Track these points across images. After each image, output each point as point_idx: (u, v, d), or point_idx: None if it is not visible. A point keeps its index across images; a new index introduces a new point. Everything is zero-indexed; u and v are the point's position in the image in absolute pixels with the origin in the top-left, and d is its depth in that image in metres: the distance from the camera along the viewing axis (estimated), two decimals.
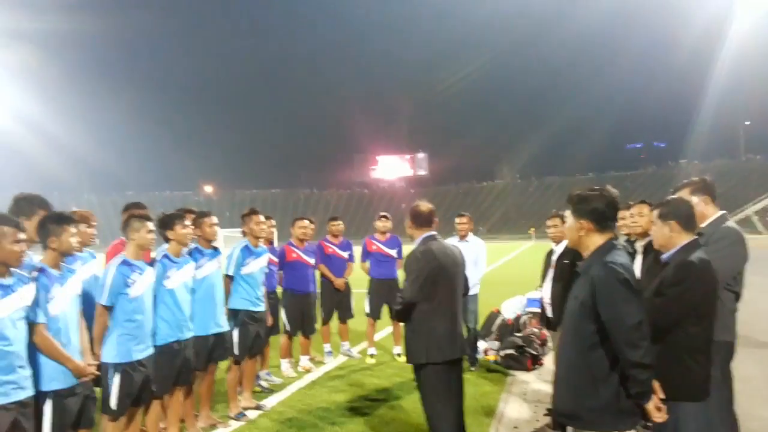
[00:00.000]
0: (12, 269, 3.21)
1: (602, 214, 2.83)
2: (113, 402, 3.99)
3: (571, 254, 5.14)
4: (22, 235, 3.18)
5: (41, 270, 3.48)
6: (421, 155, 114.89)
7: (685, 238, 3.27)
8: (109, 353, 4.02)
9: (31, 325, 3.30)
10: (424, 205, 4.21)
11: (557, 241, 5.44)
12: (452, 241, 6.81)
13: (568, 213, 2.98)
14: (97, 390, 3.95)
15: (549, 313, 5.36)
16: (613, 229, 2.93)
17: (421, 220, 4.15)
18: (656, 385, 2.75)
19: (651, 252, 4.07)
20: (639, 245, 4.41)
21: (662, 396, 2.77)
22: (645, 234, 4.34)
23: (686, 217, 3.29)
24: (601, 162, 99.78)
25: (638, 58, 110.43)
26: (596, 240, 2.85)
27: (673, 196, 3.60)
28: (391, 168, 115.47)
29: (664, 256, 3.37)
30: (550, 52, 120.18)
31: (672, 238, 3.29)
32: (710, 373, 3.23)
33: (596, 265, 2.75)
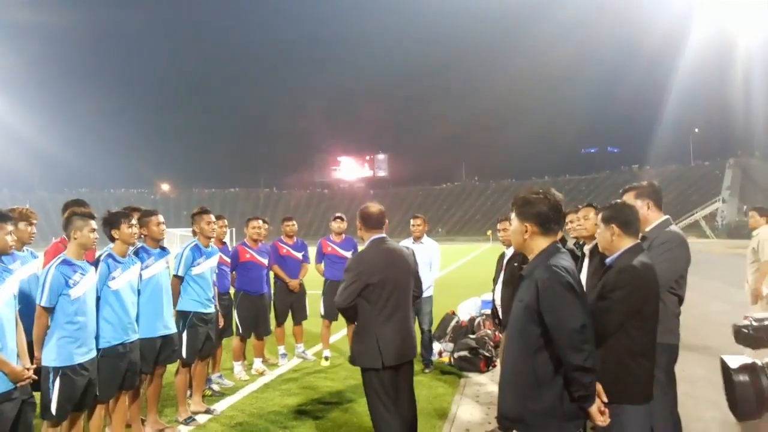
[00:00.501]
0: None
1: (546, 217, 2.85)
2: (53, 407, 3.85)
3: (521, 257, 5.21)
4: None
5: None
6: (381, 156, 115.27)
7: (627, 242, 3.31)
8: (49, 356, 3.87)
9: None
10: (374, 207, 4.20)
11: (508, 244, 5.50)
12: (407, 243, 6.83)
13: (512, 216, 3.00)
14: (37, 395, 3.80)
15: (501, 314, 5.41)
16: (556, 232, 2.95)
17: (371, 222, 4.13)
18: (599, 388, 2.78)
19: (597, 255, 4.14)
20: (586, 248, 4.48)
21: (605, 399, 2.80)
22: (591, 237, 4.41)
23: (627, 222, 3.33)
24: (556, 166, 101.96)
25: (596, 66, 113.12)
26: (540, 243, 2.87)
27: (617, 201, 3.66)
28: (352, 169, 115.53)
29: (607, 260, 3.42)
30: (512, 57, 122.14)
31: (614, 242, 3.33)
32: (653, 376, 3.29)
33: (540, 268, 2.77)
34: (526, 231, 2.87)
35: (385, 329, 3.91)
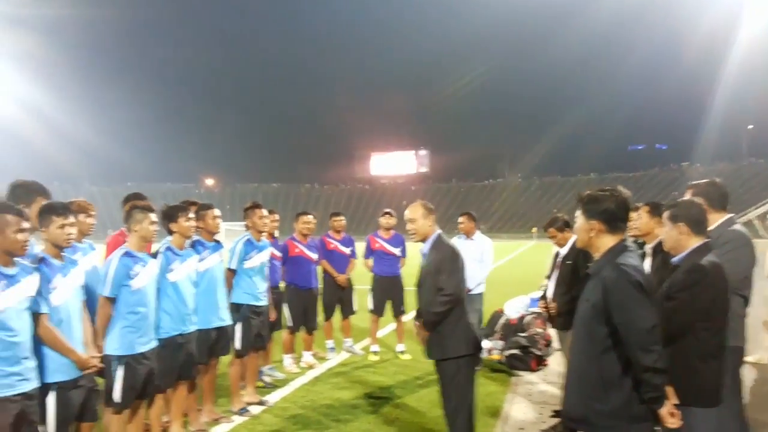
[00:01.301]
0: (16, 259, 3.16)
1: (613, 215, 2.78)
2: (117, 395, 3.95)
3: (573, 256, 5.12)
4: (26, 224, 3.12)
5: (42, 260, 3.43)
6: (423, 152, 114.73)
7: (695, 241, 3.21)
8: (112, 345, 3.98)
9: (35, 316, 3.25)
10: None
11: (561, 246, 5.40)
12: (458, 240, 6.78)
13: (578, 213, 2.93)
14: (101, 382, 3.90)
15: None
16: (624, 230, 2.87)
17: (434, 216, 4.20)
18: (670, 390, 2.70)
19: (659, 254, 4.01)
20: (648, 247, 4.34)
21: (676, 401, 2.72)
22: (646, 235, 4.28)
23: (696, 220, 3.22)
24: (603, 163, 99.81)
25: (644, 61, 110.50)
26: (607, 241, 2.80)
27: (684, 198, 3.54)
28: (393, 164, 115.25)
29: (674, 259, 3.32)
30: (557, 53, 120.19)
31: (682, 241, 3.23)
32: (722, 379, 3.18)
33: (608, 267, 2.70)
34: (593, 229, 2.80)
35: (470, 319, 4.05)
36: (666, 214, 3.34)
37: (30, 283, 3.19)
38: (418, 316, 4.13)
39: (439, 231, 4.13)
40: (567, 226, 5.34)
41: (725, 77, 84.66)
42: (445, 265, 3.95)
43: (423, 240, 4.12)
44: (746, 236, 3.67)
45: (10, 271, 3.10)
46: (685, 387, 2.90)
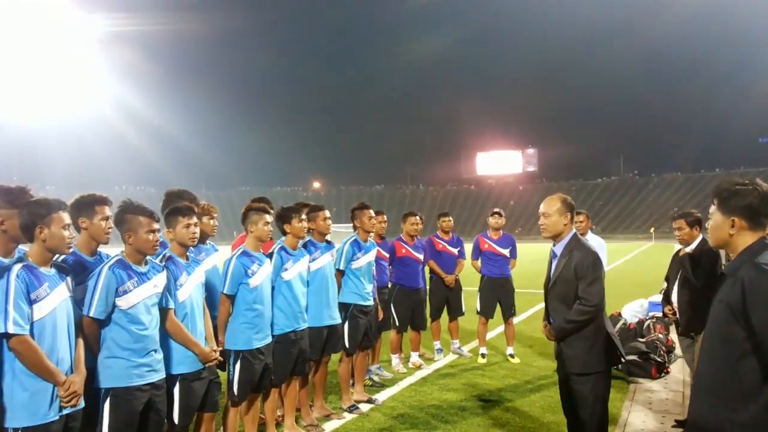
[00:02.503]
0: (147, 258, 3.40)
1: (756, 210, 2.53)
2: (235, 388, 4.15)
3: (698, 257, 4.75)
4: (156, 225, 3.36)
5: (170, 258, 3.67)
6: (530, 150, 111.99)
7: None
8: (231, 340, 4.19)
9: (163, 311, 3.48)
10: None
11: (685, 244, 5.02)
12: None
13: (712, 209, 2.69)
14: (222, 375, 4.11)
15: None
16: (765, 227, 2.61)
17: (573, 213, 3.91)
18: None
19: None
20: None
21: None
22: None
23: None
24: (730, 157, 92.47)
25: None
26: (747, 239, 2.55)
27: None
28: (499, 164, 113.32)
29: None
30: (677, 44, 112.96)
31: None
32: None
33: (746, 266, 2.46)
34: (733, 225, 2.57)
35: (610, 327, 3.82)
36: None
37: (159, 281, 3.41)
38: (547, 319, 3.96)
39: (574, 230, 3.86)
40: (698, 223, 4.95)
41: None
42: (587, 272, 3.67)
43: (553, 238, 3.86)
44: None
45: (142, 269, 3.34)
46: None
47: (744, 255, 2.54)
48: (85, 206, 3.37)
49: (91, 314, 3.13)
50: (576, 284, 3.68)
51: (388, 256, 6.87)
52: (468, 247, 7.65)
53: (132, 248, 3.32)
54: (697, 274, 4.76)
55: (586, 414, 3.70)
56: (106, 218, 3.39)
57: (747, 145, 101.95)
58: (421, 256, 7.23)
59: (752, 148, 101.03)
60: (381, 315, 6.14)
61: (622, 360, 3.90)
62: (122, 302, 3.20)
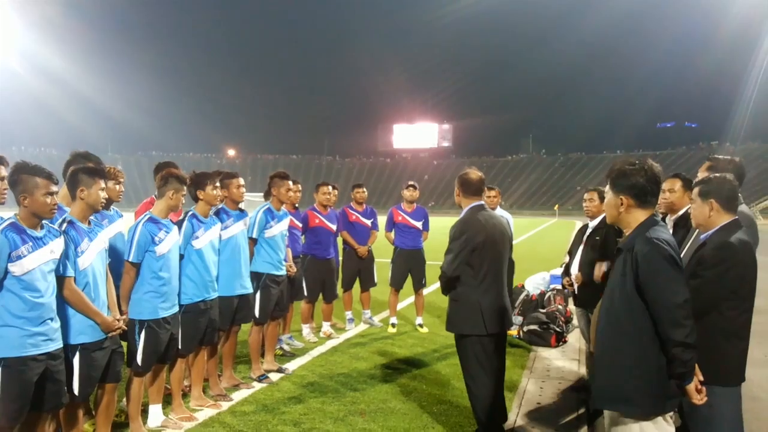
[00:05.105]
0: (43, 221, 3.20)
1: (643, 189, 2.72)
2: (139, 358, 4.02)
3: (602, 232, 5.03)
4: (54, 188, 3.17)
5: (70, 223, 3.47)
6: (445, 126, 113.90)
7: (725, 218, 3.16)
8: (136, 310, 4.04)
9: (60, 279, 3.31)
10: (474, 173, 4.15)
11: (592, 217, 5.30)
12: None
13: (607, 188, 2.87)
14: (125, 345, 3.98)
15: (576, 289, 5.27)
16: (654, 204, 2.81)
17: (471, 189, 4.08)
18: (696, 366, 2.66)
19: (681, 228, 3.94)
20: (669, 220, 4.23)
21: (702, 378, 2.68)
22: (673, 209, 4.17)
23: (728, 197, 3.17)
24: (630, 140, 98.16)
25: (676, 35, 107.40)
26: (638, 216, 2.74)
27: (716, 174, 3.43)
28: (415, 137, 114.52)
29: (702, 236, 3.26)
30: (584, 29, 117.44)
31: (711, 218, 3.18)
32: (746, 357, 3.14)
33: (639, 241, 2.65)
34: (622, 204, 2.75)
35: (487, 297, 3.92)
36: (696, 190, 3.27)
37: (56, 246, 3.23)
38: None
39: (474, 204, 4.06)
40: None
41: (759, 55, 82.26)
42: (451, 240, 3.95)
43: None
44: (750, 217, 3.58)
45: (38, 233, 3.15)
46: (709, 365, 2.84)
47: (637, 231, 2.72)
48: None
49: None
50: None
51: (301, 225, 6.83)
52: (381, 219, 7.73)
53: (27, 211, 3.12)
54: (598, 246, 5.02)
55: (464, 374, 4.00)
56: (1, 179, 3.16)
57: (646, 129, 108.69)
58: (334, 227, 7.23)
59: (651, 132, 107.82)
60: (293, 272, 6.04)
61: (486, 330, 3.95)
62: (15, 268, 3.01)
